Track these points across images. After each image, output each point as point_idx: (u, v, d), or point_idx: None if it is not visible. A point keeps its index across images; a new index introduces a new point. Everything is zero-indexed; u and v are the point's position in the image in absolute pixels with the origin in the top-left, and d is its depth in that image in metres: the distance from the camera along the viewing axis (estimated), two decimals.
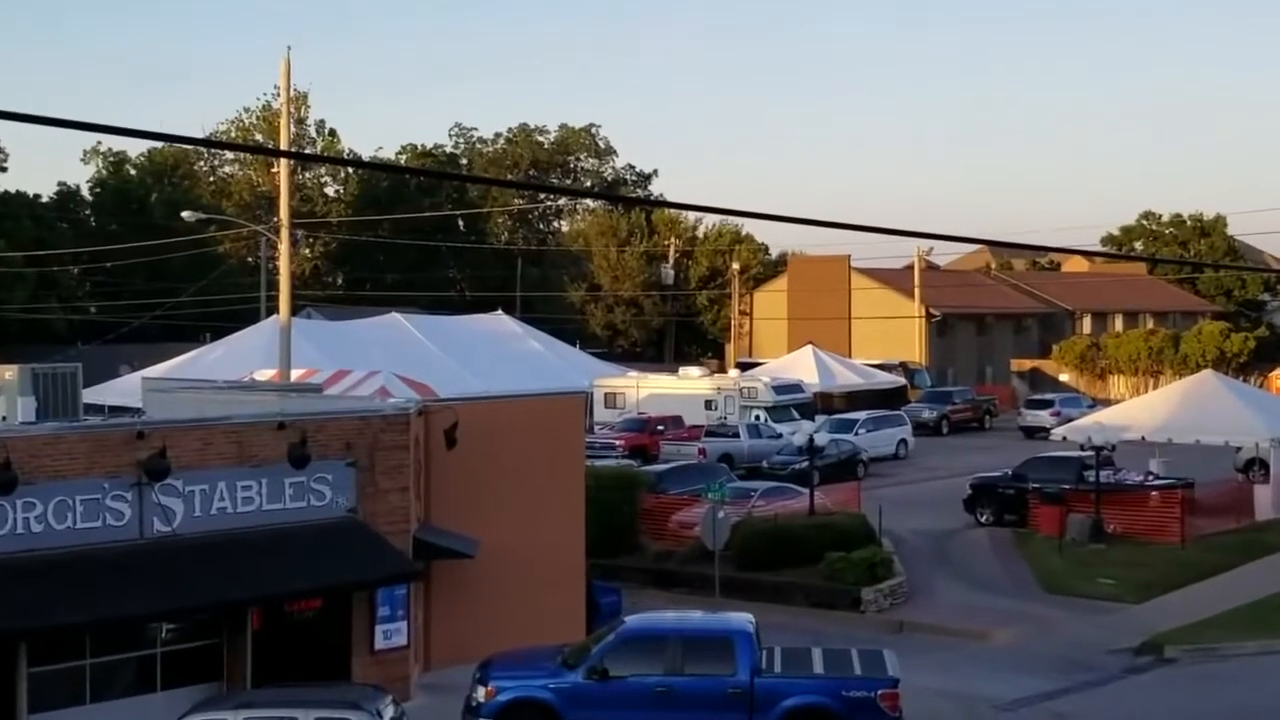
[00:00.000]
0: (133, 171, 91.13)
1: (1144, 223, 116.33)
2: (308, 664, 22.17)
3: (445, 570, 25.52)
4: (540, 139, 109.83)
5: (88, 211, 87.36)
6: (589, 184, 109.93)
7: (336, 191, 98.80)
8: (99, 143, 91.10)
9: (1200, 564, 34.41)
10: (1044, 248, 47.40)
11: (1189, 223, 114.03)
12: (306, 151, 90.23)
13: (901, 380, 72.70)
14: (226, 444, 21.86)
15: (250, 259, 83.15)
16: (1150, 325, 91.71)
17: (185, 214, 51.04)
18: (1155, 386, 70.84)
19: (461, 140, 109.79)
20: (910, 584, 32.41)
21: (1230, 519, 39.19)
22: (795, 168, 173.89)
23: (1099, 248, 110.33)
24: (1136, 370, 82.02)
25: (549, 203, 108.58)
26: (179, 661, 21.69)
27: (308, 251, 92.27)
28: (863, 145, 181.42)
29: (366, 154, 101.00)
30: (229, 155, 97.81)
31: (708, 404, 58.86)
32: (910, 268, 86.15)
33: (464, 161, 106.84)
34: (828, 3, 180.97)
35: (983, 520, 40.45)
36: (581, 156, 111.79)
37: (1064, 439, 43.29)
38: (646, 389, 60.69)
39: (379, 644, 23.11)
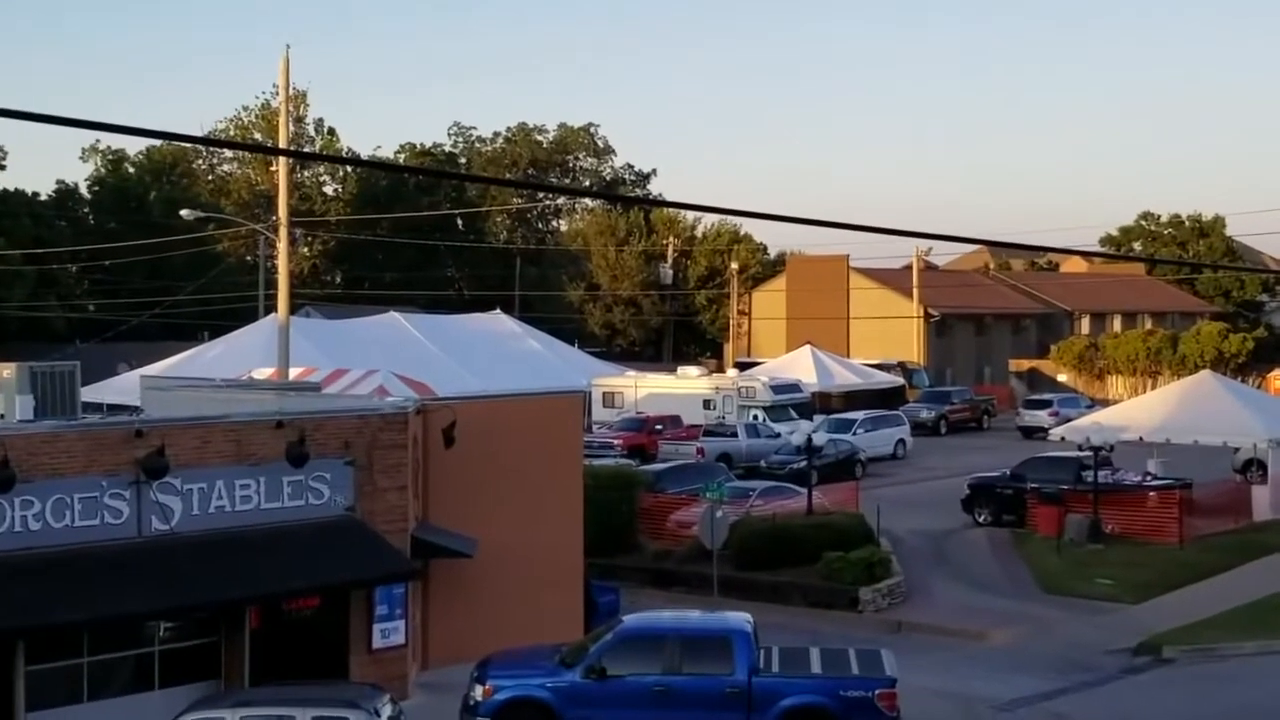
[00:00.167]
0: (131, 170, 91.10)
1: (1143, 223, 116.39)
2: (305, 662, 22.16)
3: (443, 569, 25.52)
4: (539, 138, 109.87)
5: (86, 209, 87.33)
6: (588, 183, 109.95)
7: (335, 190, 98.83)
8: (98, 141, 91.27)
9: (1198, 564, 34.42)
10: (1043, 248, 47.31)
11: (1187, 223, 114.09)
12: (305, 150, 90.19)
13: (900, 380, 72.70)
14: (225, 442, 21.86)
15: (249, 257, 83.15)
16: (1149, 326, 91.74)
17: (184, 212, 50.98)
18: (1153, 387, 70.86)
19: (460, 139, 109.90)
20: (908, 584, 32.41)
21: (1228, 519, 39.20)
22: (794, 168, 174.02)
23: (1097, 248, 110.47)
24: (1135, 371, 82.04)
25: (548, 202, 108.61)
26: (177, 660, 21.68)
27: (306, 250, 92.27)
28: (862, 145, 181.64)
29: (365, 153, 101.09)
30: (228, 154, 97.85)
31: (706, 403, 58.86)
32: (909, 268, 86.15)
33: (463, 161, 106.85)
34: (828, 3, 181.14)
35: (981, 520, 40.46)
36: (580, 156, 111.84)
37: (1062, 439, 43.30)
38: (645, 388, 60.69)
39: (377, 643, 23.11)
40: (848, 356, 76.56)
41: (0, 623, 19.21)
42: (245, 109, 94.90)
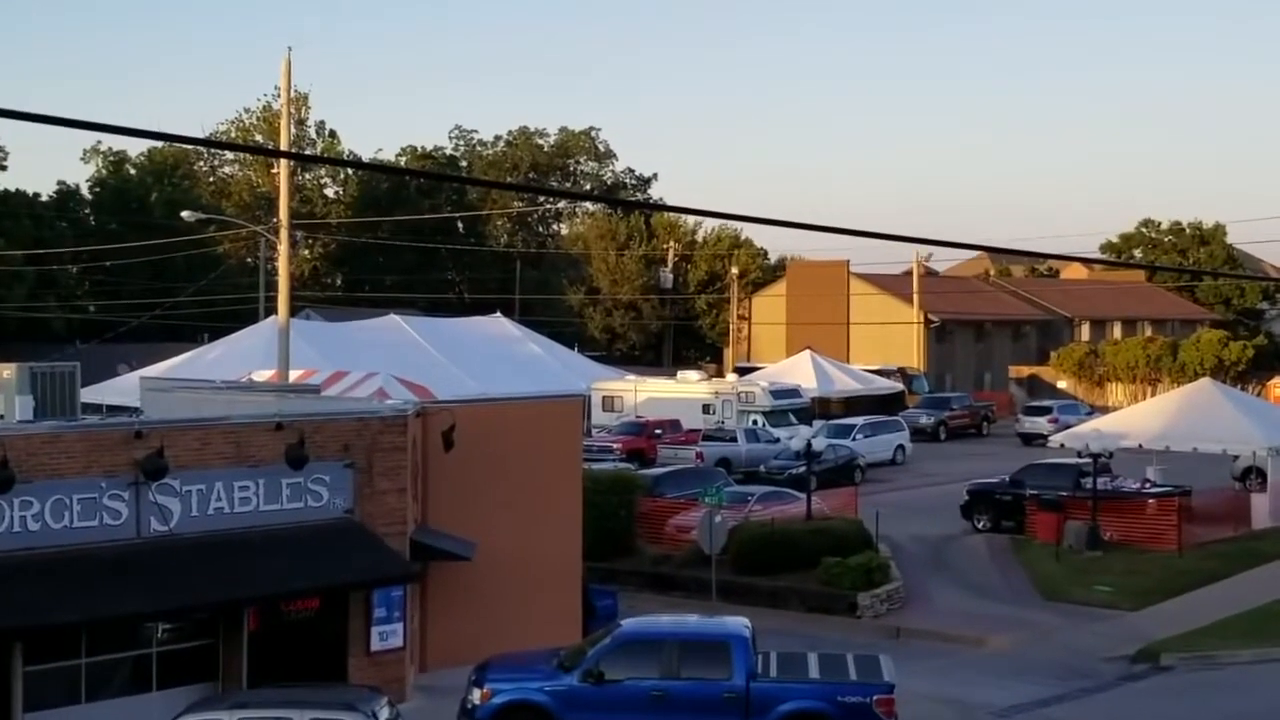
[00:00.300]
0: (132, 171, 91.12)
1: (1143, 230, 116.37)
2: (304, 665, 22.14)
3: (442, 572, 25.52)
4: (540, 142, 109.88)
5: (87, 210, 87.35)
6: (588, 187, 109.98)
7: (336, 193, 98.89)
8: (99, 142, 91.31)
9: (1197, 572, 34.41)
10: (1043, 255, 47.55)
11: (1188, 231, 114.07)
12: (306, 152, 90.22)
13: (899, 386, 72.72)
14: (224, 444, 21.85)
15: (249, 259, 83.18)
16: (1149, 333, 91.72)
17: (185, 214, 51.04)
18: (1153, 394, 70.79)
19: (461, 142, 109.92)
20: (907, 590, 32.39)
21: (1227, 527, 39.19)
22: (795, 173, 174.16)
23: (1098, 255, 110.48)
24: (1134, 378, 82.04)
25: (548, 205, 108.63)
26: (175, 661, 21.67)
27: (307, 252, 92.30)
28: (863, 151, 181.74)
29: (366, 155, 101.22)
30: (229, 156, 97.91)
31: (705, 408, 58.85)
32: (909, 273, 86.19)
33: (464, 164, 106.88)
34: (829, 9, 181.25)
35: (980, 526, 40.44)
36: (581, 159, 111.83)
37: (1062, 446, 43.30)
38: (644, 393, 60.68)
39: (375, 645, 23.09)
40: (847, 362, 76.57)
41: None
42: (247, 111, 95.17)
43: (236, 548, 21.60)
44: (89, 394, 42.57)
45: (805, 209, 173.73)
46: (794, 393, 61.35)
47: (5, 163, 78.75)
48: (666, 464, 47.14)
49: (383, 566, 22.94)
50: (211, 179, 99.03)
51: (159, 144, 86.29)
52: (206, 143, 40.85)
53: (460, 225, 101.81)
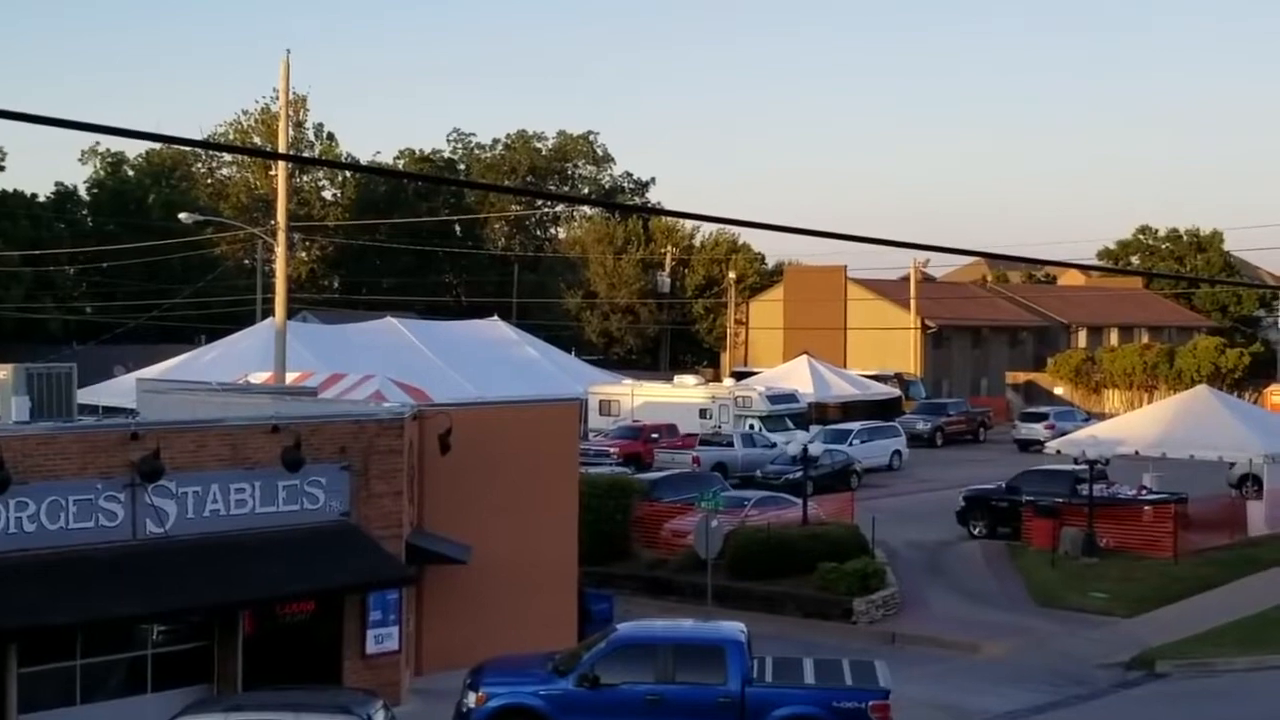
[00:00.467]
0: (130, 172, 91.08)
1: (1141, 237, 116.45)
2: (299, 667, 22.13)
3: (438, 575, 25.51)
4: (538, 145, 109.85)
5: (85, 212, 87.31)
6: (586, 191, 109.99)
7: (334, 195, 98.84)
8: (97, 143, 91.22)
9: (1193, 579, 34.42)
10: (1040, 261, 47.62)
11: (1185, 238, 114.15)
12: (304, 155, 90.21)
13: (896, 391, 72.73)
14: (221, 446, 21.83)
15: (247, 261, 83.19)
16: (1145, 340, 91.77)
17: (182, 215, 50.98)
18: (1150, 401, 70.86)
19: (459, 146, 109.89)
20: (903, 595, 32.39)
21: (1223, 534, 39.23)
22: (792, 178, 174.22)
23: (1095, 262, 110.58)
24: (1131, 384, 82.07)
25: (546, 209, 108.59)
26: (170, 663, 21.64)
27: (304, 255, 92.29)
28: (860, 157, 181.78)
29: (364, 158, 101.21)
30: (227, 157, 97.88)
31: (702, 413, 58.86)
32: (906, 279, 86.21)
33: (462, 167, 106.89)
34: (829, 13, 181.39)
35: (976, 532, 40.45)
36: (579, 163, 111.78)
37: (1058, 452, 43.30)
38: (641, 397, 60.68)
39: (370, 648, 23.07)
40: (844, 367, 76.56)
41: None
42: (245, 113, 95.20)
43: (232, 550, 21.58)
44: (85, 395, 42.53)
45: (803, 214, 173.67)
46: (791, 398, 61.36)
47: (3, 163, 78.73)
48: (663, 468, 47.15)
49: (378, 569, 22.92)
50: (209, 181, 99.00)
51: (157, 145, 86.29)
52: (204, 144, 40.93)
53: (458, 228, 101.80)
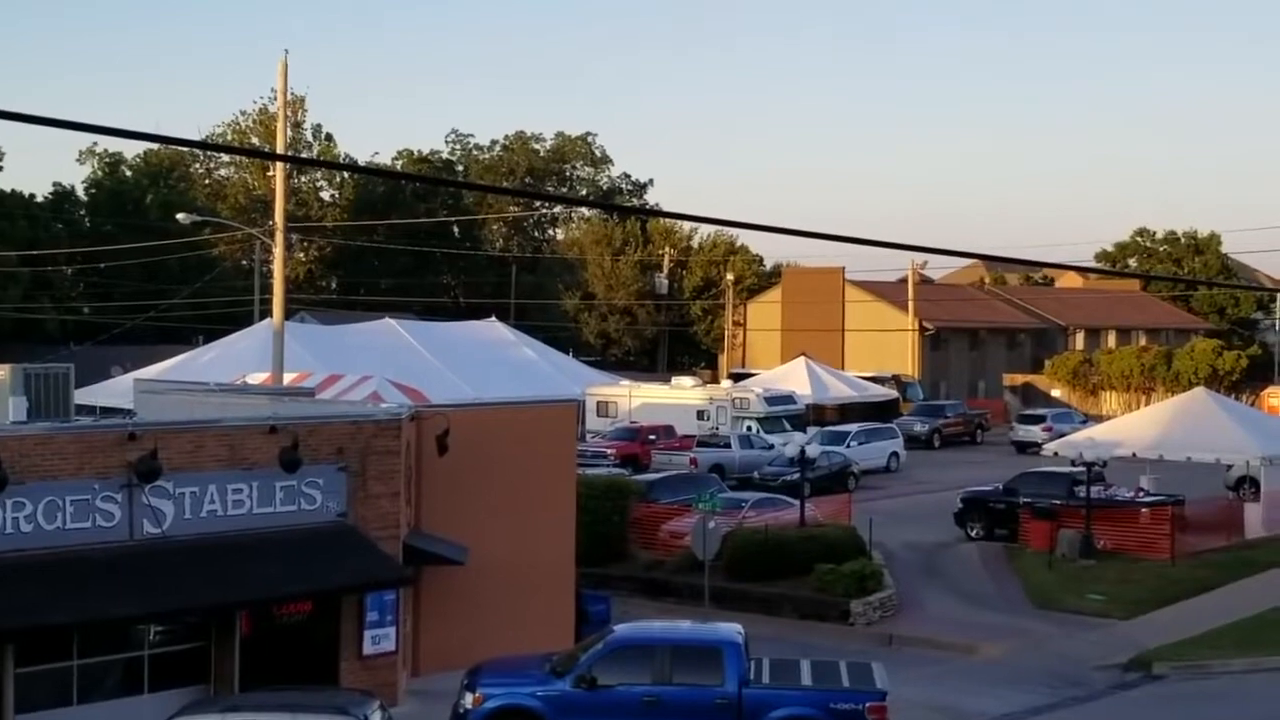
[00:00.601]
0: (128, 173, 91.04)
1: (1138, 239, 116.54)
2: (296, 668, 22.12)
3: (435, 576, 25.50)
4: (536, 146, 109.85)
5: (82, 212, 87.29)
6: (584, 192, 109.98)
7: (332, 196, 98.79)
8: (95, 143, 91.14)
9: (1189, 581, 34.44)
10: (1038, 263, 47.63)
11: (1183, 240, 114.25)
12: (302, 155, 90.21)
13: (894, 393, 72.76)
14: (218, 447, 21.83)
15: (244, 262, 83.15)
16: (1143, 342, 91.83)
17: (180, 216, 50.94)
18: (1147, 403, 70.92)
19: (458, 147, 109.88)
20: (900, 597, 32.40)
21: (1220, 536, 39.27)
22: (790, 179, 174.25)
23: (1093, 264, 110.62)
24: (1129, 387, 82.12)
25: (544, 210, 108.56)
26: (167, 664, 21.63)
27: (302, 255, 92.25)
28: (860, 156, 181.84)
29: (363, 159, 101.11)
30: (225, 158, 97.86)
31: (700, 414, 58.87)
32: (904, 281, 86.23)
33: (460, 168, 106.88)
34: (829, 13, 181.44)
35: (973, 534, 40.47)
36: (577, 165, 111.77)
37: (1055, 454, 43.32)
38: (639, 398, 60.68)
39: (367, 649, 23.06)
40: (842, 369, 76.57)
41: None
42: (243, 113, 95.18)
43: (229, 550, 21.57)
44: (83, 395, 42.52)
45: (802, 215, 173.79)
46: (788, 399, 61.37)
47: (1, 163, 78.75)
48: (660, 469, 47.16)
49: (376, 570, 22.92)
50: (207, 181, 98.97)
51: (155, 146, 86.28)
52: (203, 145, 40.95)
53: (456, 229, 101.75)
